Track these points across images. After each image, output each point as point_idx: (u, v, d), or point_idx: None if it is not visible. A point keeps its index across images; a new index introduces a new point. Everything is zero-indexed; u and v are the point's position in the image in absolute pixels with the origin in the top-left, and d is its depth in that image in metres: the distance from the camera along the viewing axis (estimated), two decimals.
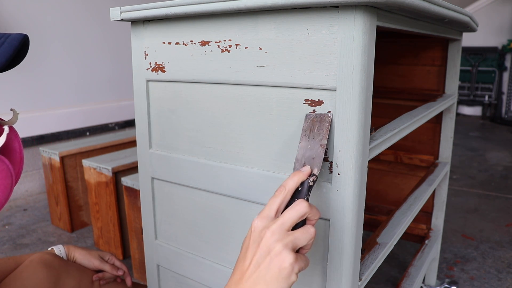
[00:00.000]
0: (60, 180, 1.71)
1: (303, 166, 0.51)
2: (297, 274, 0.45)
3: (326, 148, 0.53)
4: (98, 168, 1.50)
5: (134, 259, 1.39)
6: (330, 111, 0.52)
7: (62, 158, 1.70)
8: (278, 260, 0.44)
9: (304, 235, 0.46)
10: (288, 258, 0.44)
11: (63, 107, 2.38)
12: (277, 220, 0.46)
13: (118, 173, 1.48)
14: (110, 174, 1.45)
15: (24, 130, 2.17)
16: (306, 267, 0.47)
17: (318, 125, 0.52)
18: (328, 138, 0.52)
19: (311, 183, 0.48)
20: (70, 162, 1.74)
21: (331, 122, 0.52)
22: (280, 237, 0.44)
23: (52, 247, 0.80)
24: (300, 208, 0.46)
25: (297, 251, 0.47)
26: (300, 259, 0.45)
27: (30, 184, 2.24)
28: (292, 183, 0.48)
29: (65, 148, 1.76)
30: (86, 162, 1.54)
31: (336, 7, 0.49)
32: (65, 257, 0.80)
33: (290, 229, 0.46)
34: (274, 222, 0.45)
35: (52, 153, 1.71)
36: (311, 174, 0.49)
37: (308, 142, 0.52)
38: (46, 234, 1.76)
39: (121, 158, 1.57)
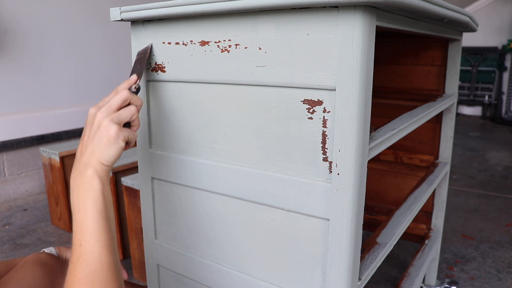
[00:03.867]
0: (60, 180, 1.71)
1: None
2: (123, 141, 0.56)
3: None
4: None
5: (134, 259, 1.39)
6: (151, 43, 0.68)
7: (62, 158, 1.70)
8: (106, 131, 0.55)
9: (126, 112, 0.58)
10: (113, 128, 0.55)
11: (63, 107, 2.38)
12: (105, 105, 0.57)
13: (118, 173, 1.48)
14: (110, 174, 1.45)
15: (24, 130, 2.17)
16: (134, 139, 0.59)
17: (143, 54, 0.68)
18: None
19: (133, 90, 0.60)
20: (70, 162, 1.74)
21: (150, 49, 0.69)
22: (107, 115, 0.56)
23: (43, 249, 0.80)
24: (122, 94, 0.58)
25: (128, 127, 0.59)
26: (126, 130, 0.57)
27: (30, 184, 2.24)
28: (121, 86, 0.61)
29: (65, 148, 1.76)
30: None
31: (335, 7, 0.49)
32: None
33: (117, 110, 0.57)
34: (103, 107, 0.58)
35: (52, 153, 1.71)
36: (136, 82, 0.62)
37: (137, 64, 0.68)
38: (46, 234, 1.76)
39: (121, 158, 1.57)
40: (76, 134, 2.40)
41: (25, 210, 2.03)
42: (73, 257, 0.52)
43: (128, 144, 0.59)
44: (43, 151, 1.76)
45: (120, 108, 0.58)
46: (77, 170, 0.55)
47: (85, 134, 0.57)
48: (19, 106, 2.17)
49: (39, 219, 1.91)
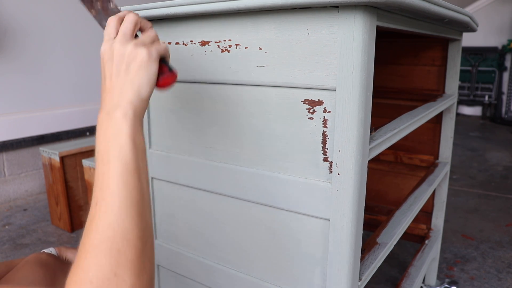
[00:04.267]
0: (60, 180, 1.71)
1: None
2: (156, 60, 0.48)
3: None
4: None
5: None
6: None
7: (62, 158, 1.70)
8: (133, 56, 0.47)
9: (147, 36, 0.50)
10: (141, 51, 0.47)
11: (63, 107, 2.38)
12: (119, 35, 0.49)
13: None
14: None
15: (24, 130, 2.17)
16: (166, 50, 0.51)
17: None
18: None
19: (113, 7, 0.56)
20: (70, 162, 1.74)
21: None
22: (126, 42, 0.48)
23: (43, 250, 0.79)
24: (129, 17, 0.50)
25: None
26: (154, 46, 0.49)
27: (30, 184, 2.24)
28: (113, 18, 0.52)
29: (65, 148, 1.76)
30: (86, 162, 1.54)
31: (336, 7, 0.49)
32: None
33: (133, 36, 0.50)
34: (116, 37, 0.49)
35: (52, 153, 1.71)
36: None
37: None
38: (46, 234, 1.76)
39: None
40: (76, 134, 2.40)
41: (25, 210, 2.03)
42: (88, 218, 0.43)
43: (164, 66, 0.50)
44: (43, 151, 1.76)
45: (133, 32, 0.50)
46: (104, 111, 0.46)
47: (106, 73, 0.48)
48: (19, 106, 2.17)
49: (39, 219, 1.91)
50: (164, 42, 0.53)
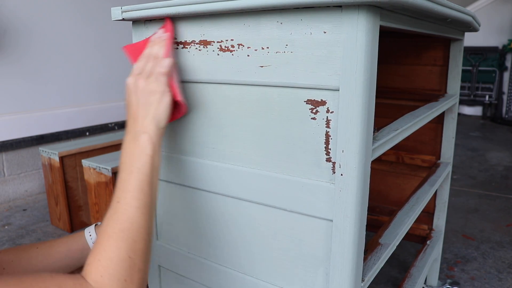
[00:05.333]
0: (60, 180, 1.71)
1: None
2: (169, 95, 0.60)
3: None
4: (97, 168, 1.49)
5: None
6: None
7: (61, 158, 1.70)
8: (152, 92, 0.59)
9: (162, 67, 0.61)
10: (158, 89, 0.59)
11: (63, 107, 2.37)
12: (142, 72, 0.61)
13: (117, 173, 1.47)
14: (109, 174, 1.45)
15: (24, 130, 2.16)
16: (168, 64, 0.60)
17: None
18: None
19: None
20: (69, 162, 1.74)
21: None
22: (148, 78, 0.60)
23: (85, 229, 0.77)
24: (165, 62, 0.61)
25: None
26: (166, 86, 0.60)
27: (30, 184, 2.23)
28: (155, 47, 0.63)
29: (65, 148, 1.75)
30: (85, 162, 1.54)
31: (339, 6, 0.49)
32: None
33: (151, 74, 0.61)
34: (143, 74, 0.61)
35: (52, 153, 1.70)
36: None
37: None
38: (46, 234, 1.75)
39: None
40: (75, 134, 2.39)
41: (24, 210, 2.03)
42: (108, 212, 0.55)
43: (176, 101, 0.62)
44: (42, 151, 1.75)
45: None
46: (131, 135, 0.59)
47: (132, 102, 0.60)
48: (19, 106, 2.17)
49: (39, 219, 1.91)
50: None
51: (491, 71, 4.40)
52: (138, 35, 0.71)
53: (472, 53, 4.47)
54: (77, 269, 0.74)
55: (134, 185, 0.55)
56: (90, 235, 0.72)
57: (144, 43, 0.65)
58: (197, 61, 0.64)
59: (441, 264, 1.46)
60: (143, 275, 0.53)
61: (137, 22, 0.70)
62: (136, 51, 0.66)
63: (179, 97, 0.62)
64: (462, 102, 4.59)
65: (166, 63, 0.60)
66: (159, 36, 0.64)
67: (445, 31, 0.90)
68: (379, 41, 0.52)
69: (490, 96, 4.44)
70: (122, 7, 0.68)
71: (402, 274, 1.42)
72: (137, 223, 0.54)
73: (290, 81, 0.55)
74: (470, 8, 4.38)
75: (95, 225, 0.74)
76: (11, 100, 2.14)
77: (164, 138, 0.73)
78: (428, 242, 1.21)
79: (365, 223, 0.57)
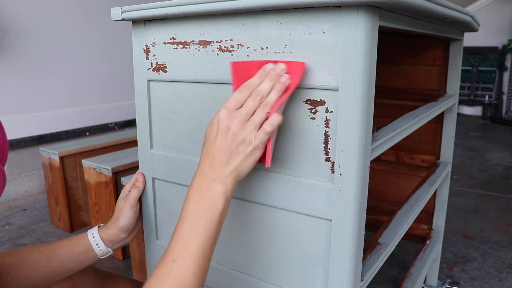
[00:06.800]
0: (60, 180, 1.71)
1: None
2: (262, 150, 0.52)
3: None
4: (98, 168, 1.50)
5: (134, 259, 1.38)
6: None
7: (61, 158, 1.70)
8: (248, 143, 0.51)
9: (269, 125, 0.51)
10: (255, 141, 0.51)
11: (63, 107, 2.37)
12: (243, 112, 0.51)
13: (117, 173, 1.48)
14: (110, 174, 1.45)
15: (24, 130, 2.16)
16: (277, 124, 0.51)
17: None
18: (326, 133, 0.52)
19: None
20: (69, 162, 1.74)
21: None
22: (248, 126, 0.51)
23: (88, 230, 0.75)
24: (276, 119, 0.51)
25: None
26: (265, 137, 0.51)
27: (30, 184, 2.23)
28: (271, 96, 0.52)
29: (65, 148, 1.76)
30: (86, 162, 1.54)
31: (338, 6, 0.49)
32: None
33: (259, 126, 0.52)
34: (240, 110, 0.52)
35: (52, 153, 1.70)
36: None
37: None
38: (46, 234, 1.75)
39: (121, 158, 1.57)
40: (76, 134, 2.40)
41: (24, 210, 2.03)
42: (160, 269, 0.48)
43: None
44: (42, 151, 1.75)
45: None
46: (204, 179, 0.51)
47: (215, 141, 0.51)
48: (19, 106, 2.17)
49: (39, 219, 1.91)
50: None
51: (491, 71, 4.40)
52: (137, 35, 0.71)
53: (472, 53, 4.47)
54: (79, 271, 0.74)
55: (196, 246, 0.48)
56: (94, 237, 0.72)
57: (255, 66, 0.55)
58: (196, 61, 0.64)
59: (441, 264, 1.46)
60: None
61: (137, 22, 0.71)
62: (243, 71, 0.56)
63: (269, 158, 0.54)
64: (462, 102, 4.60)
65: (275, 121, 0.51)
66: (278, 72, 0.52)
67: (444, 31, 0.91)
68: (378, 41, 0.52)
69: (490, 96, 4.44)
70: (122, 7, 0.68)
71: (402, 273, 1.42)
72: None
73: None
74: (470, 8, 4.38)
75: (98, 227, 0.74)
76: (11, 100, 2.14)
77: (163, 137, 0.73)
78: (427, 242, 1.21)
79: (364, 223, 0.57)
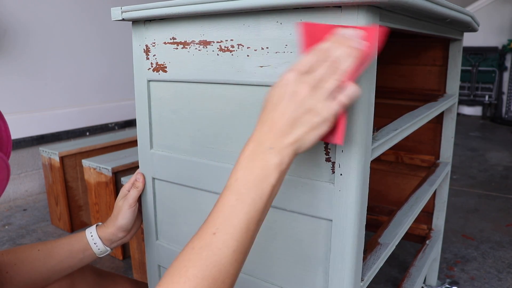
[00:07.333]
0: (60, 180, 1.71)
1: None
2: (329, 122, 0.45)
3: (329, 148, 0.54)
4: (98, 168, 1.50)
5: (134, 259, 1.38)
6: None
7: (62, 158, 1.70)
8: (318, 112, 0.44)
9: (346, 96, 0.44)
10: (329, 112, 0.44)
11: (63, 107, 2.37)
12: (322, 88, 0.44)
13: (118, 173, 1.48)
14: (110, 174, 1.45)
15: (24, 130, 2.16)
16: (353, 96, 0.45)
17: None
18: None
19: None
20: (70, 162, 1.74)
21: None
22: (322, 93, 0.44)
23: (86, 229, 0.74)
24: (353, 89, 0.44)
25: None
26: (339, 109, 0.45)
27: (30, 184, 2.23)
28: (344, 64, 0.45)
29: (65, 148, 1.76)
30: (86, 162, 1.54)
31: (338, 7, 0.49)
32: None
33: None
34: (314, 75, 0.44)
35: (52, 153, 1.70)
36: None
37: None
38: (46, 234, 1.76)
39: (121, 158, 1.57)
40: (76, 134, 2.40)
41: (24, 210, 2.03)
42: (197, 241, 0.43)
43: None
44: (43, 151, 1.75)
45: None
46: (259, 146, 0.45)
47: (279, 105, 0.45)
48: (19, 106, 2.17)
49: (39, 219, 1.91)
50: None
51: (491, 71, 4.40)
52: (137, 35, 0.71)
53: (472, 53, 4.47)
54: (77, 270, 0.74)
55: (241, 221, 0.43)
56: (92, 236, 0.72)
57: (327, 29, 0.48)
58: (196, 61, 0.64)
59: (441, 264, 1.46)
60: None
61: (137, 22, 0.71)
62: (314, 34, 0.48)
63: (342, 134, 0.48)
64: (461, 102, 4.60)
65: (353, 93, 0.44)
66: (352, 36, 0.46)
67: (444, 31, 0.91)
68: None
69: (489, 96, 4.44)
70: (122, 7, 0.68)
71: (402, 273, 1.42)
72: (226, 273, 0.42)
73: None
74: (470, 8, 4.38)
75: (96, 226, 0.74)
76: (11, 99, 2.14)
77: (163, 137, 0.73)
78: (427, 241, 1.21)
79: (365, 223, 0.57)
